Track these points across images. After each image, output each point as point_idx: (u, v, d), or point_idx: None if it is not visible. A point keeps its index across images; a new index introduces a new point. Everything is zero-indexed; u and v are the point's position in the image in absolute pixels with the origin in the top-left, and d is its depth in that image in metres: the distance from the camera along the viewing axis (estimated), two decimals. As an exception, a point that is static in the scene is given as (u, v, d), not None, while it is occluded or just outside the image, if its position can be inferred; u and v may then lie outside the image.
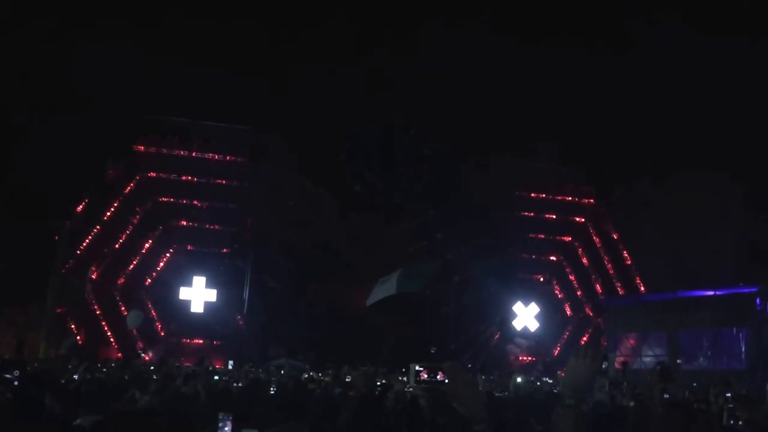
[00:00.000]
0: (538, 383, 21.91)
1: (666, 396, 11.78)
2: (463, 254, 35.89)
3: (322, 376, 19.88)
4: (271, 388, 10.39)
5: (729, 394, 12.17)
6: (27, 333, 30.36)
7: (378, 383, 14.82)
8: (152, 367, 18.88)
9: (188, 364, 22.61)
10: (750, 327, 26.67)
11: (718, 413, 9.95)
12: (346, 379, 14.94)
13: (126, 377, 14.17)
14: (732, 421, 9.15)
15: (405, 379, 16.03)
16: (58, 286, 30.55)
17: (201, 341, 32.76)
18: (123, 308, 31.53)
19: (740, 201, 29.53)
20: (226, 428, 4.87)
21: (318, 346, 30.55)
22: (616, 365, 27.77)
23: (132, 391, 7.01)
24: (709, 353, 29.32)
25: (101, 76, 31.08)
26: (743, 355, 27.29)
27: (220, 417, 4.87)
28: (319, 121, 33.65)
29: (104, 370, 18.05)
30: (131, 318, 25.45)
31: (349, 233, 34.23)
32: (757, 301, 26.10)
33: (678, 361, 28.45)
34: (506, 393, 15.21)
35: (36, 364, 18.65)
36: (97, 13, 32.45)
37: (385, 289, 23.13)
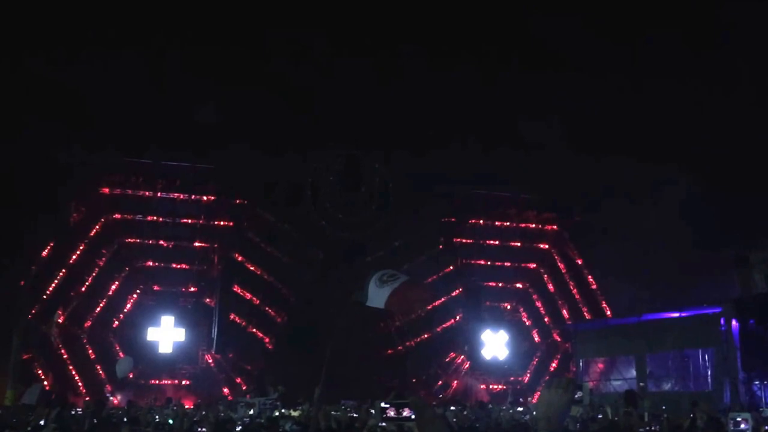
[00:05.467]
0: (510, 411, 22.13)
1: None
2: (432, 284, 36.03)
3: (293, 412, 19.90)
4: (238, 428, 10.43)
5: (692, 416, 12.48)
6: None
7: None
8: (120, 411, 18.72)
9: (157, 404, 22.41)
10: (715, 347, 27.05)
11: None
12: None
13: (95, 421, 14.07)
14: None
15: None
16: (23, 331, 30.13)
17: (170, 381, 32.43)
18: (90, 351, 31.21)
19: (701, 219, 30.00)
20: None
21: (289, 382, 30.41)
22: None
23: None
24: (676, 375, 29.64)
25: (62, 117, 31.08)
26: (709, 377, 27.64)
27: None
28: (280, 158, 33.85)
29: (77, 413, 17.85)
30: (121, 365, 24.91)
31: (315, 269, 34.26)
32: (722, 321, 26.49)
33: (641, 384, 28.58)
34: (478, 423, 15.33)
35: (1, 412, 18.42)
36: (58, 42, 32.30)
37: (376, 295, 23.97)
